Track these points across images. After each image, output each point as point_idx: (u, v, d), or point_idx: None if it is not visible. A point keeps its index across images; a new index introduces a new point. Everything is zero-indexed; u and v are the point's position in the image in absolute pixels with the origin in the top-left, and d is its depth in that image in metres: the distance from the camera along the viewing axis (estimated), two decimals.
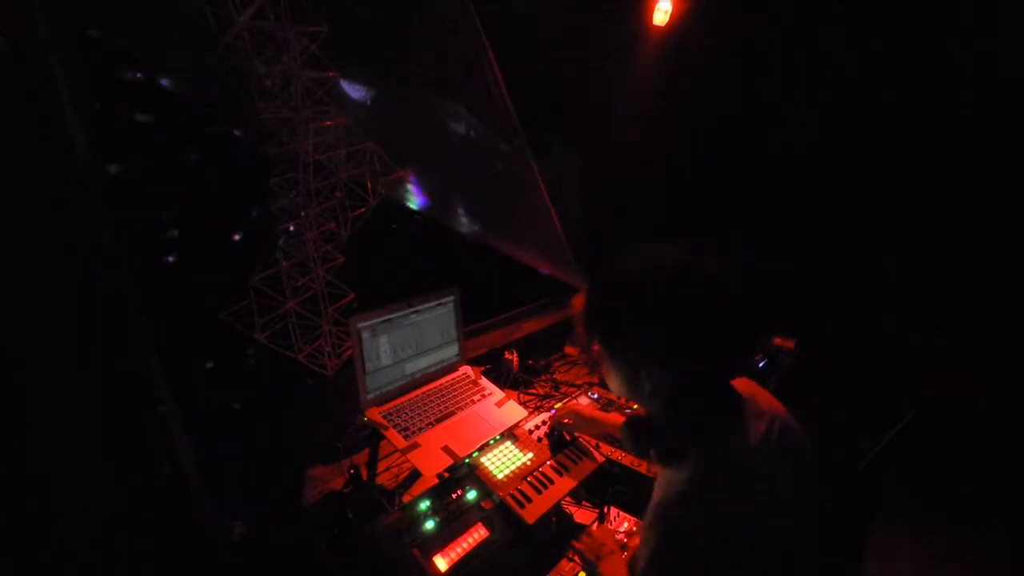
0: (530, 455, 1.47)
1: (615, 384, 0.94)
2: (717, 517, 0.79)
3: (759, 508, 0.82)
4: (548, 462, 1.46)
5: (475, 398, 1.66)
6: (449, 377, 1.74)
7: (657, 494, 0.90)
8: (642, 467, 1.50)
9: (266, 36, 1.27)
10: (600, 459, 1.51)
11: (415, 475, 1.52)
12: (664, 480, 0.90)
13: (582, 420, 1.52)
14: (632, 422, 0.96)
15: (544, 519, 1.31)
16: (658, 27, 2.50)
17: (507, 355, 2.05)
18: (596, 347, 0.92)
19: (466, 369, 1.80)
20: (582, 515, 1.45)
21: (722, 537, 0.78)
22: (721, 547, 0.78)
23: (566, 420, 1.54)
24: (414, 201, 2.06)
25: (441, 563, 1.17)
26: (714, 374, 0.88)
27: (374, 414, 1.50)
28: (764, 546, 0.81)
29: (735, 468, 0.83)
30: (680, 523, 0.81)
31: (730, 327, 0.83)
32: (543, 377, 2.09)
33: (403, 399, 1.59)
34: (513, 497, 1.32)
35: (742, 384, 0.97)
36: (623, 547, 1.30)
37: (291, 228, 1.47)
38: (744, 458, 0.84)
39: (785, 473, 0.87)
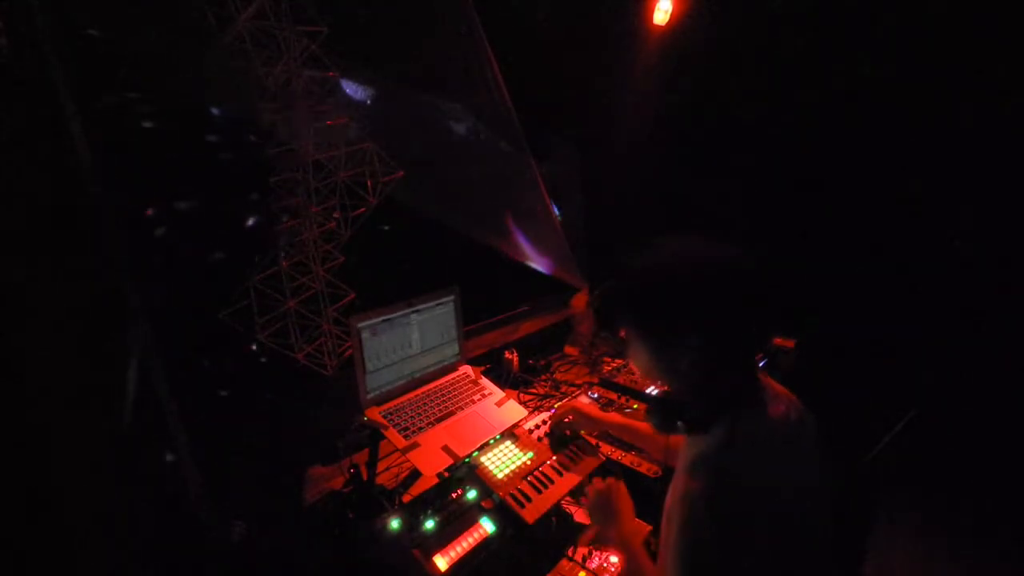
0: (530, 454, 1.47)
1: (645, 364, 0.96)
2: (754, 468, 0.83)
3: (783, 473, 0.86)
4: (548, 462, 1.46)
5: (475, 398, 1.66)
6: (449, 377, 1.74)
7: (684, 459, 0.91)
8: (642, 467, 1.50)
9: (266, 36, 1.27)
10: (600, 458, 1.51)
11: (415, 475, 1.52)
12: (691, 445, 0.93)
13: (583, 419, 1.52)
14: (661, 397, 1.00)
15: (544, 519, 1.31)
16: (658, 26, 2.49)
17: (507, 355, 2.05)
18: (623, 332, 0.96)
19: (466, 369, 1.80)
20: (582, 515, 1.44)
21: (760, 489, 0.81)
22: (761, 498, 0.81)
23: (567, 419, 1.54)
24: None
25: (441, 563, 1.17)
26: (747, 352, 0.95)
27: (374, 413, 1.50)
28: (790, 512, 0.85)
29: (760, 433, 0.87)
30: (723, 470, 0.83)
31: (765, 308, 0.89)
32: (543, 377, 2.09)
33: (403, 399, 1.59)
34: (513, 497, 1.32)
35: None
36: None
37: (291, 227, 1.47)
38: (768, 428, 0.89)
39: (803, 450, 0.92)
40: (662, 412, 0.99)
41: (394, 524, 1.22)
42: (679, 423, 0.94)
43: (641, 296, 0.93)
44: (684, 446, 0.98)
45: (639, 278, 0.94)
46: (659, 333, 0.92)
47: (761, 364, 2.18)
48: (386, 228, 1.77)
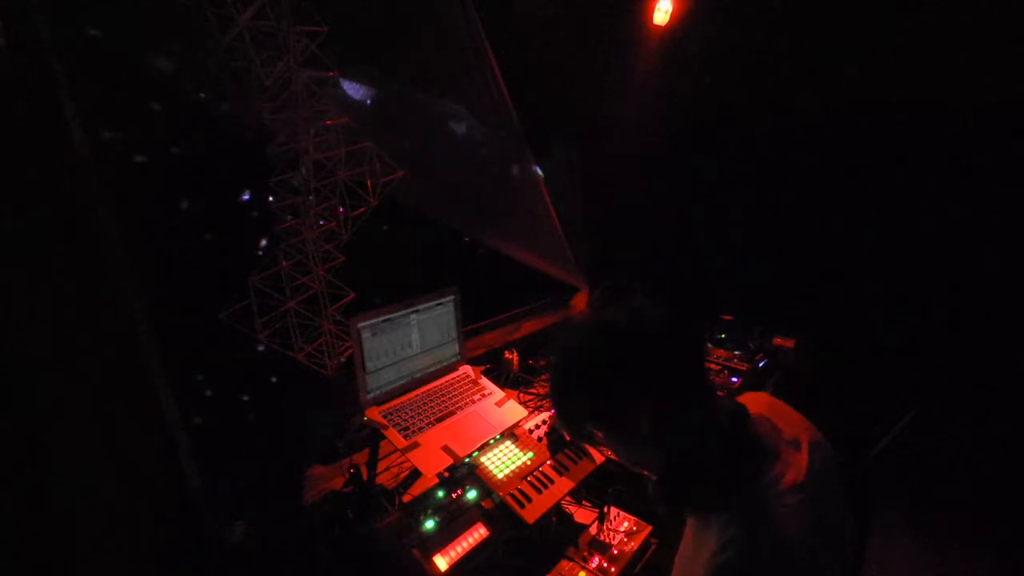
0: (530, 455, 1.47)
1: (623, 453, 0.90)
2: (782, 558, 0.72)
3: (817, 539, 0.75)
4: (548, 462, 1.46)
5: (475, 398, 1.66)
6: (449, 377, 1.74)
7: (700, 555, 0.78)
8: None
9: (266, 36, 1.27)
10: (600, 459, 1.51)
11: (415, 475, 1.52)
12: (705, 542, 0.78)
13: None
14: (661, 478, 0.86)
15: (544, 519, 1.31)
16: (658, 27, 2.50)
17: (507, 355, 2.05)
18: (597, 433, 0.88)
19: (466, 369, 1.79)
20: (582, 515, 1.45)
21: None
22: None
23: None
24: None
25: (441, 563, 1.17)
26: (699, 389, 0.84)
27: (374, 414, 1.49)
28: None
29: (786, 531, 0.74)
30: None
31: (686, 342, 0.83)
32: (543, 377, 2.09)
33: (403, 399, 1.59)
34: (513, 497, 1.32)
35: (761, 403, 0.89)
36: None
37: (291, 227, 1.47)
38: (793, 524, 0.74)
39: (837, 501, 0.83)
40: (664, 490, 0.84)
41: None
42: (687, 505, 0.83)
43: (576, 395, 0.86)
44: (689, 530, 0.87)
45: (564, 378, 0.88)
46: (610, 417, 0.84)
47: (761, 364, 2.18)
48: (386, 228, 1.77)
